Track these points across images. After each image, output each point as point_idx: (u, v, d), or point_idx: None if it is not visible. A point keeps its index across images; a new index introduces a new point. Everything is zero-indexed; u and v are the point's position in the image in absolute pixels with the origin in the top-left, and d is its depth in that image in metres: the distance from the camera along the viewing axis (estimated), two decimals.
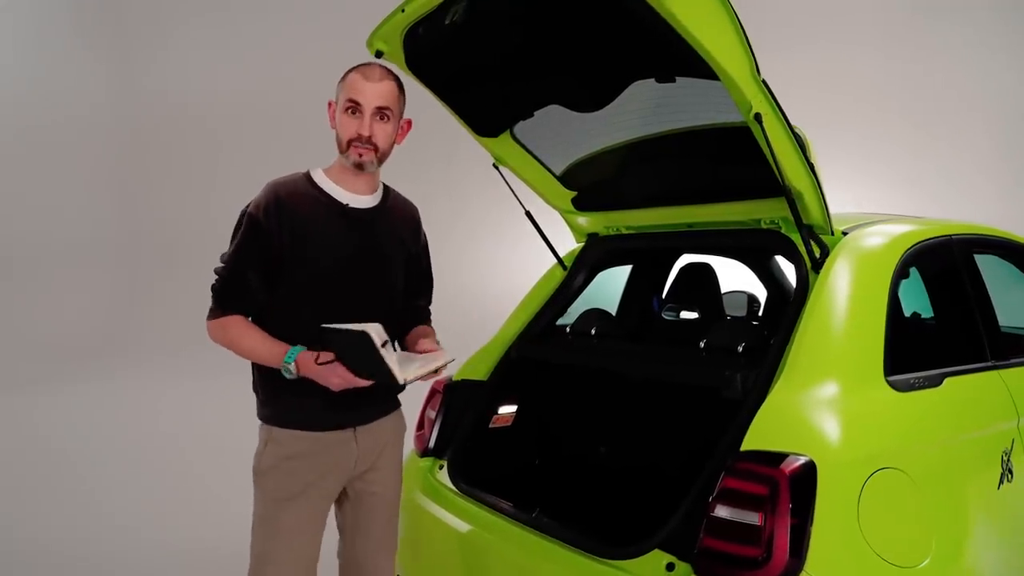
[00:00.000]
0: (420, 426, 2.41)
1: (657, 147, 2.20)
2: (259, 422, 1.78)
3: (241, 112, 9.43)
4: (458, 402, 2.36)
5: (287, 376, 1.64)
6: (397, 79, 1.76)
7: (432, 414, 2.37)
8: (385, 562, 1.91)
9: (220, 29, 9.61)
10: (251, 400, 1.81)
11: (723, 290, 3.00)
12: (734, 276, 3.37)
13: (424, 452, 2.32)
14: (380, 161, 1.76)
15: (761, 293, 3.26)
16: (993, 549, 1.74)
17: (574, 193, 2.50)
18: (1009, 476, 1.85)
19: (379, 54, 2.02)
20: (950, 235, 2.15)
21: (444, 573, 2.07)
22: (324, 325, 1.56)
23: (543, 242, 2.50)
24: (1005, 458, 1.85)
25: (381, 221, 1.81)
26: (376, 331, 1.50)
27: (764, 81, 1.60)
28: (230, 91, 9.49)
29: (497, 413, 2.44)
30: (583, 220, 2.56)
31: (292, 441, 1.71)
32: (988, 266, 2.44)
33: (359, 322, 1.55)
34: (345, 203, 1.75)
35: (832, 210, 2.00)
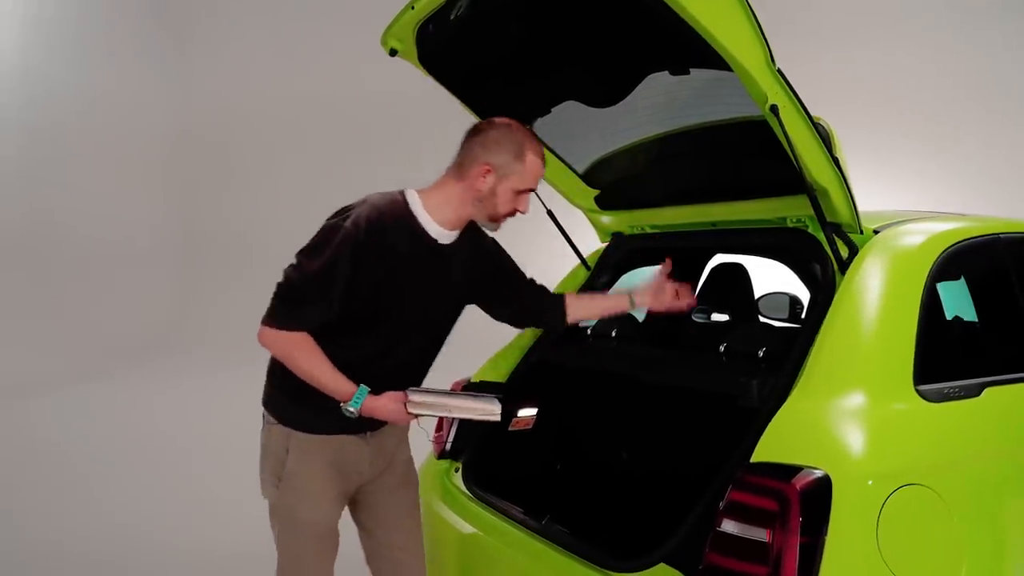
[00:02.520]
0: (439, 428, 2.38)
1: (680, 143, 2.12)
2: (272, 421, 1.78)
3: (286, 117, 9.64)
4: None
5: (345, 414, 1.65)
6: None
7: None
8: (423, 554, 1.95)
9: (276, 33, 9.86)
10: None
11: (767, 291, 2.87)
12: (779, 276, 3.23)
13: (441, 455, 2.30)
14: None
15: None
16: None
17: (597, 191, 2.44)
18: None
19: (393, 52, 2.01)
20: (997, 234, 2.00)
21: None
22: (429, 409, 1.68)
23: (566, 242, 2.44)
24: None
25: (457, 256, 1.81)
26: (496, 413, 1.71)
27: (780, 71, 1.51)
28: (276, 97, 9.71)
29: (516, 416, 2.39)
30: (607, 219, 2.49)
31: (313, 445, 1.74)
32: None
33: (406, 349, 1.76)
34: (436, 239, 1.74)
35: (878, 209, 1.88)
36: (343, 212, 1.68)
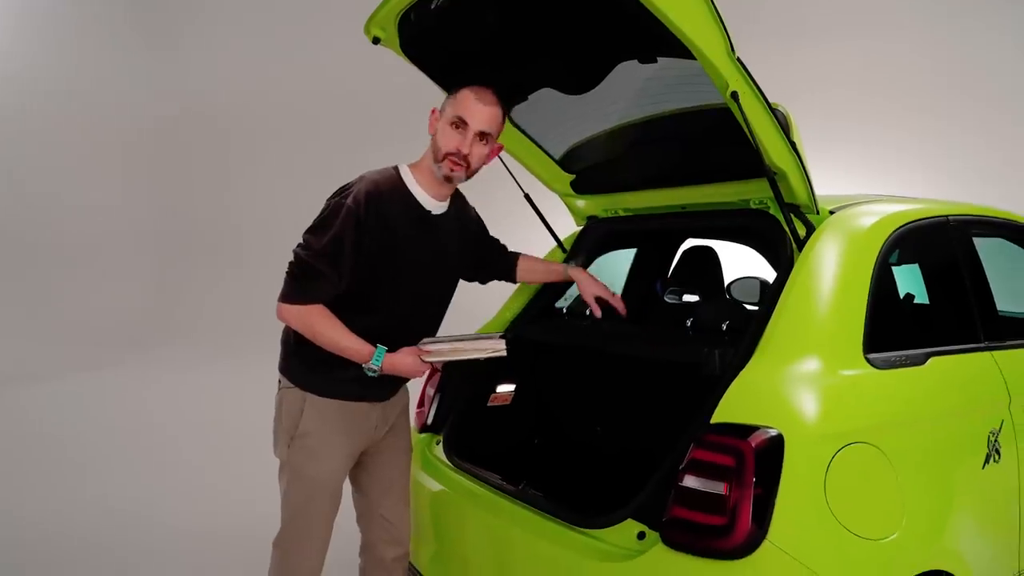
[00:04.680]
0: (421, 403, 2.48)
1: (652, 129, 2.23)
2: (288, 385, 1.91)
3: (277, 108, 9.61)
4: (456, 380, 2.42)
5: (368, 374, 1.80)
6: (503, 104, 1.88)
7: (431, 391, 2.44)
8: (408, 517, 2.10)
9: (259, 23, 9.80)
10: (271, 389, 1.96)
11: (740, 275, 2.99)
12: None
13: (423, 428, 2.40)
14: (467, 178, 1.89)
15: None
16: (972, 526, 1.73)
17: (572, 176, 2.54)
18: (996, 457, 1.84)
19: (376, 40, 2.08)
20: (947, 216, 2.12)
21: (434, 540, 2.15)
22: (441, 359, 1.85)
23: (543, 225, 2.54)
24: (992, 439, 1.84)
25: (449, 225, 1.95)
26: (502, 348, 1.85)
27: (740, 60, 1.61)
28: (267, 87, 9.67)
29: (495, 392, 2.49)
30: (582, 203, 2.59)
31: (328, 408, 1.87)
32: (1001, 251, 2.41)
33: (416, 316, 1.91)
34: (429, 210, 1.88)
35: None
36: (343, 190, 1.82)
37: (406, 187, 1.85)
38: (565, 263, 2.38)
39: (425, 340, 1.84)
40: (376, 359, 1.78)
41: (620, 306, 2.28)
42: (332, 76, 9.02)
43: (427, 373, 2.49)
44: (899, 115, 7.74)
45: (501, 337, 1.89)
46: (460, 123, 1.81)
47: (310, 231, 1.78)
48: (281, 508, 1.92)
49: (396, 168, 1.88)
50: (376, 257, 1.78)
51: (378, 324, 1.83)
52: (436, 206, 1.90)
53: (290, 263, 1.78)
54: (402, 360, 1.82)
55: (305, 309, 1.76)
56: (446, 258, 1.96)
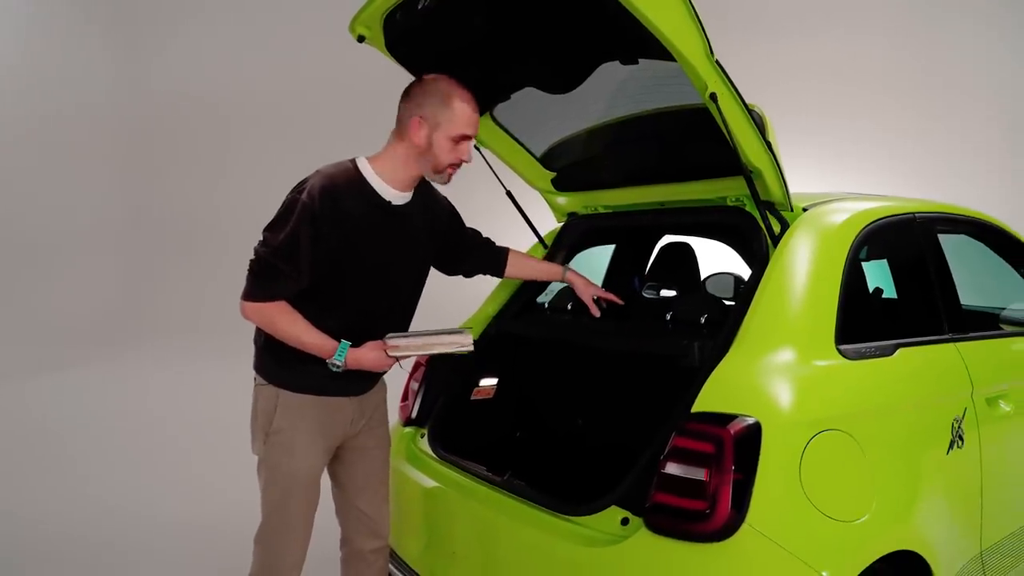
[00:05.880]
0: (404, 397, 2.51)
1: (631, 129, 2.28)
2: (261, 382, 1.91)
3: (250, 103, 9.51)
4: (440, 375, 2.46)
5: (333, 369, 1.79)
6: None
7: (415, 386, 2.47)
8: (387, 510, 2.11)
9: (229, 18, 9.68)
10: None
11: (715, 271, 3.07)
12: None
13: (407, 422, 2.43)
14: None
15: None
16: (937, 508, 1.82)
17: (554, 174, 2.58)
18: (959, 443, 1.92)
19: (361, 39, 2.10)
20: (913, 213, 2.21)
21: (422, 531, 2.18)
22: (401, 350, 1.82)
23: (524, 221, 2.59)
24: (956, 425, 1.93)
25: (415, 215, 1.94)
26: (469, 343, 1.85)
27: (718, 61, 1.67)
28: (239, 82, 9.56)
29: (478, 386, 2.53)
30: (563, 200, 2.64)
31: (302, 404, 1.87)
32: (969, 248, 2.51)
33: (386, 308, 1.90)
34: (389, 200, 1.87)
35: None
36: (299, 186, 1.82)
37: (363, 179, 1.84)
38: (562, 265, 2.42)
39: (390, 335, 1.83)
40: (339, 354, 1.79)
41: (617, 300, 2.36)
42: (314, 72, 8.95)
43: (411, 368, 2.53)
44: (870, 112, 7.91)
45: (467, 333, 1.88)
46: (465, 139, 1.85)
47: (268, 228, 1.77)
48: (261, 505, 1.92)
49: (353, 161, 1.87)
50: (337, 251, 1.78)
51: (347, 317, 1.84)
52: (396, 196, 1.88)
53: (251, 260, 1.77)
54: (366, 355, 1.82)
55: (266, 306, 1.76)
56: (414, 249, 1.96)
